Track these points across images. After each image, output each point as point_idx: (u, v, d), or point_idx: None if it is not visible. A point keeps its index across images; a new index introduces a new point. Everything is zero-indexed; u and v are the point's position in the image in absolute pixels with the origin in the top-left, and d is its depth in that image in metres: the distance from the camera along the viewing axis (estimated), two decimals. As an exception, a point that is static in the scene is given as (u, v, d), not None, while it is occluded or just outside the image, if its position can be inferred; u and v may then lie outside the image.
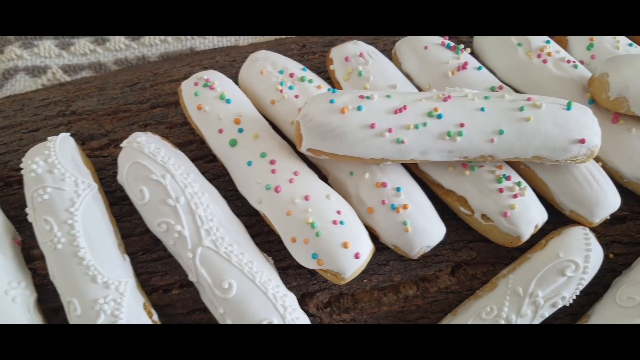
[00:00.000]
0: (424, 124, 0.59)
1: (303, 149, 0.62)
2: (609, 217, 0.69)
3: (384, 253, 0.68)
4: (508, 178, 0.63)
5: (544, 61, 0.70)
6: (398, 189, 0.62)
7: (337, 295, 0.68)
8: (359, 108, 0.59)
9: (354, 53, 0.71)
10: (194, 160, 0.69)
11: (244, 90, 0.72)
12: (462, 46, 0.71)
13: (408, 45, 0.73)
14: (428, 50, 0.71)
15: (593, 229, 0.68)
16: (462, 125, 0.59)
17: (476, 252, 0.69)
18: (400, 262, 0.68)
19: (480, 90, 0.69)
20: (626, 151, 0.66)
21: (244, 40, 0.99)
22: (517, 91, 0.72)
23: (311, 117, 0.60)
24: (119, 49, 1.00)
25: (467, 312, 0.64)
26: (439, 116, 0.59)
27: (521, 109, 0.59)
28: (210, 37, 1.02)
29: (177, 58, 0.95)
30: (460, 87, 0.63)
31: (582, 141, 0.59)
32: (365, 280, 0.67)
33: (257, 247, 0.63)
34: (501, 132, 0.59)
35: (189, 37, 1.03)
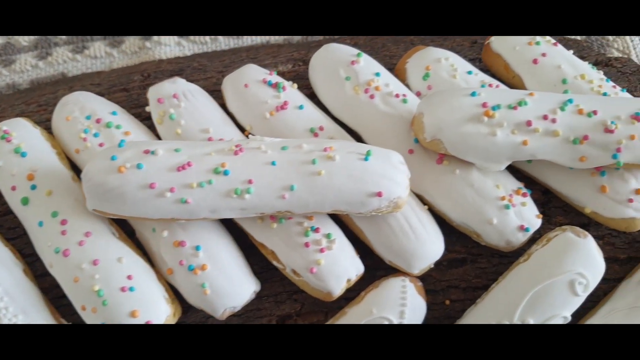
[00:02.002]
0: (209, 182, 0.54)
1: (89, 209, 0.57)
2: (437, 264, 0.65)
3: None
4: (317, 230, 0.59)
5: (371, 96, 0.65)
6: (197, 248, 0.58)
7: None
8: (138, 166, 0.54)
9: (167, 93, 0.66)
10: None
11: (56, 138, 0.67)
12: (283, 84, 0.66)
13: (230, 84, 0.68)
14: (248, 88, 0.66)
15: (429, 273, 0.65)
16: (250, 181, 0.54)
17: (300, 304, 0.65)
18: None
19: (301, 131, 0.64)
20: (451, 194, 0.62)
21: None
22: (347, 129, 0.68)
23: (90, 176, 0.55)
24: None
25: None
26: (226, 172, 0.54)
27: (313, 161, 0.55)
28: (84, 60, 0.96)
29: (31, 89, 0.90)
30: (261, 137, 0.59)
31: (379, 194, 0.55)
32: (180, 340, 0.63)
33: (50, 315, 0.59)
34: (292, 188, 0.55)
35: (60, 61, 0.97)
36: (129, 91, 0.78)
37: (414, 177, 0.64)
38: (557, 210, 0.68)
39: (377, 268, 0.64)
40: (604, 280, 0.66)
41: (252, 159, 0.55)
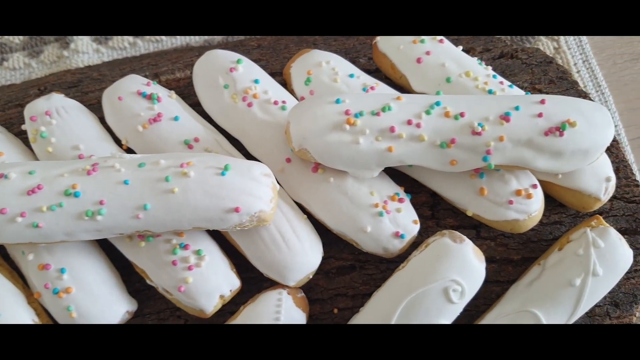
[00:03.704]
0: (60, 205, 0.53)
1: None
2: (326, 272, 0.64)
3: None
4: (186, 247, 0.58)
5: (249, 104, 0.64)
6: (62, 271, 0.57)
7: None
8: (-11, 191, 0.53)
9: (40, 111, 0.64)
10: None
11: None
12: (157, 95, 0.65)
13: (107, 97, 0.66)
14: (122, 101, 0.64)
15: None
16: (101, 202, 0.53)
17: (184, 319, 0.64)
18: (102, 337, 0.63)
19: (175, 143, 0.62)
20: (327, 203, 0.60)
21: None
22: (231, 138, 0.66)
23: (-57, 203, 0.54)
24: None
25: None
26: (76, 194, 0.53)
27: (167, 179, 0.54)
28: (3, 72, 0.94)
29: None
30: (118, 154, 0.57)
31: (237, 210, 0.54)
32: None
33: None
34: (145, 207, 0.53)
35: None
36: (24, 107, 0.76)
37: (292, 186, 0.62)
38: (446, 212, 0.66)
39: (264, 280, 0.63)
40: (498, 282, 0.65)
41: (105, 178, 0.54)
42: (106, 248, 0.63)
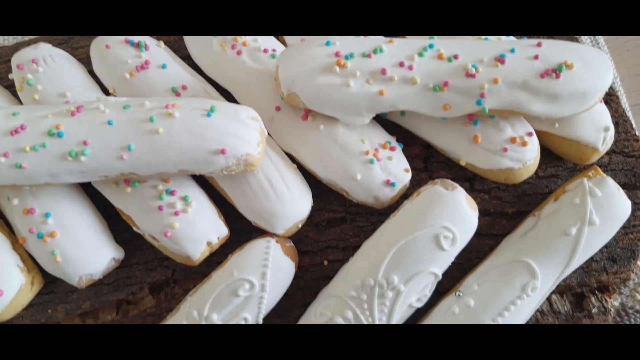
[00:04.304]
0: (43, 145, 0.52)
1: None
2: (316, 224, 0.63)
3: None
4: (172, 193, 0.57)
5: (239, 52, 0.62)
6: (47, 215, 0.56)
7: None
8: (-29, 132, 0.52)
9: (27, 59, 0.63)
10: None
11: None
12: (145, 43, 0.63)
13: (94, 47, 0.65)
14: (110, 49, 0.63)
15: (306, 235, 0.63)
16: (85, 143, 0.52)
17: (172, 270, 0.63)
18: (90, 287, 0.62)
19: (162, 91, 0.61)
20: (316, 151, 0.59)
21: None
22: (219, 88, 0.65)
23: None
24: None
25: (149, 339, 0.59)
26: (60, 134, 0.52)
27: (151, 119, 0.52)
28: None
29: None
30: (103, 97, 0.56)
31: (223, 152, 0.52)
32: (50, 311, 0.62)
33: None
34: (129, 148, 0.52)
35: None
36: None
37: (281, 135, 0.61)
38: (439, 165, 0.65)
39: (253, 231, 0.62)
40: (492, 236, 0.64)
41: (89, 119, 0.53)
42: (93, 198, 0.62)
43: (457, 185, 0.57)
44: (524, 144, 0.58)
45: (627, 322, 0.75)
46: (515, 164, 0.58)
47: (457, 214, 0.56)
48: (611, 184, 0.58)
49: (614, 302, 0.72)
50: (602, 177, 0.58)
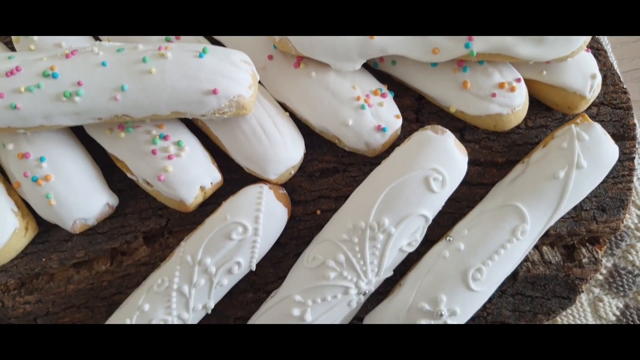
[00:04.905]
0: (38, 86, 0.53)
1: None
2: (309, 175, 0.64)
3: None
4: (166, 138, 0.57)
5: (232, 4, 0.63)
6: (42, 159, 0.57)
7: (33, 275, 0.63)
8: (-33, 74, 0.53)
9: (23, 11, 0.64)
10: None
11: None
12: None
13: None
14: None
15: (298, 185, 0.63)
16: (79, 83, 0.53)
17: (166, 219, 0.64)
18: (84, 236, 0.63)
19: (156, 39, 0.62)
20: (309, 98, 0.60)
21: None
22: (211, 40, 0.66)
23: None
24: None
25: (143, 286, 0.59)
26: (54, 75, 0.53)
27: (144, 60, 0.53)
28: None
29: None
30: (97, 42, 0.57)
31: (215, 92, 0.53)
32: (44, 259, 0.63)
33: None
34: (123, 88, 0.53)
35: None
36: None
37: (274, 84, 0.62)
38: (430, 116, 0.66)
39: (246, 180, 0.63)
40: (482, 185, 0.65)
41: (83, 61, 0.54)
42: (87, 149, 0.63)
43: (446, 129, 0.58)
44: (512, 89, 0.59)
45: (620, 283, 0.76)
46: (503, 109, 0.59)
47: (446, 157, 0.56)
48: (598, 129, 0.59)
49: (606, 263, 0.73)
50: (589, 123, 0.59)
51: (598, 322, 0.74)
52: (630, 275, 0.76)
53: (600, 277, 0.75)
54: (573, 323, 0.74)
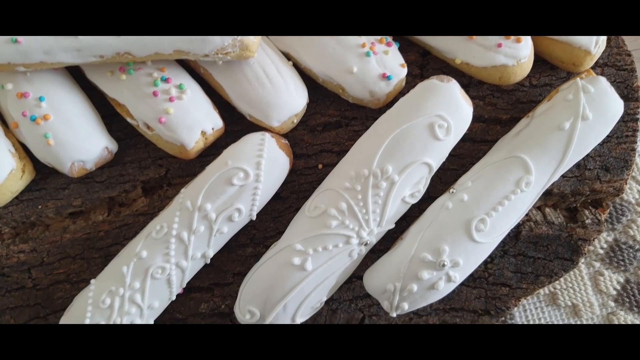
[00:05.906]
0: (39, 19, 0.52)
1: None
2: (312, 129, 0.63)
3: (64, 176, 0.62)
4: (167, 80, 0.57)
5: (237, -46, 0.63)
6: (41, 99, 0.56)
7: (28, 224, 0.62)
8: (-34, 5, 0.52)
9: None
10: None
11: None
12: None
13: None
14: None
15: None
16: (81, 17, 0.52)
17: (165, 168, 0.63)
18: (82, 184, 0.62)
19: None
20: (312, 46, 0.59)
21: None
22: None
23: None
24: None
25: (141, 234, 0.58)
26: (56, 9, 0.52)
27: (148, -5, 0.53)
28: None
29: None
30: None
31: (219, 28, 0.53)
32: (40, 206, 0.61)
33: None
34: (126, 23, 0.52)
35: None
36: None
37: (278, 33, 0.61)
38: (435, 72, 0.65)
39: (248, 131, 0.62)
40: (486, 142, 0.64)
41: (86, -4, 0.53)
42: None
43: (452, 78, 0.57)
44: (517, 40, 0.58)
45: (620, 257, 0.76)
46: (509, 60, 0.59)
47: (451, 104, 0.56)
48: (603, 82, 0.58)
49: (607, 238, 0.72)
50: (594, 77, 0.59)
51: (599, 297, 0.73)
52: (631, 250, 0.75)
53: (601, 252, 0.74)
54: (574, 296, 0.74)
